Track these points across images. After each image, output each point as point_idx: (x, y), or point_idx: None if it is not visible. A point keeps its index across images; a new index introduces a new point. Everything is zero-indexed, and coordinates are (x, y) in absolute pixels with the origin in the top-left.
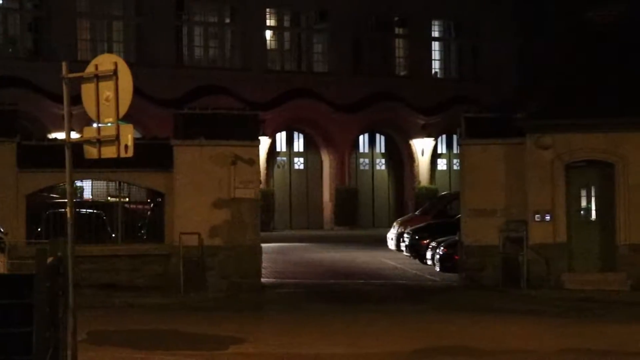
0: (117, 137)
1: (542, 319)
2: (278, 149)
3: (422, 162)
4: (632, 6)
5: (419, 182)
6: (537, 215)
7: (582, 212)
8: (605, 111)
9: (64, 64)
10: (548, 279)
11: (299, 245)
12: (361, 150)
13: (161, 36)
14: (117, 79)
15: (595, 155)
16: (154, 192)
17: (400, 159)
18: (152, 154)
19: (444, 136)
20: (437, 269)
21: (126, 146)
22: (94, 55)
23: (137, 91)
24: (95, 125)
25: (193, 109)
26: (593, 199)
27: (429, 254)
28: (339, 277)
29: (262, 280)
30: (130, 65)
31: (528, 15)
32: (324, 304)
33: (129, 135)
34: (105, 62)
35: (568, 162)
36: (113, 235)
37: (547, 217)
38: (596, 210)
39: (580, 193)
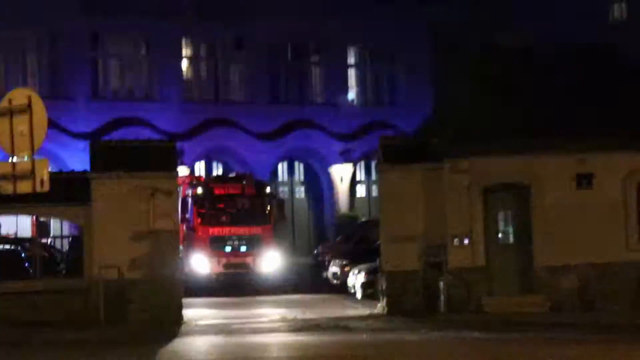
0: (33, 171)
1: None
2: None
3: (342, 189)
4: (541, 30)
5: (339, 210)
6: (455, 240)
7: (500, 235)
8: (520, 134)
9: None
10: (468, 303)
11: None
12: (280, 179)
13: (76, 69)
14: (31, 112)
15: (511, 178)
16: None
17: (319, 186)
18: (70, 188)
19: (362, 163)
20: (359, 296)
21: (42, 181)
22: (8, 90)
23: (52, 124)
24: (10, 160)
25: (109, 141)
26: (511, 222)
27: (350, 281)
28: None
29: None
30: (45, 98)
31: (443, 40)
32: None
33: (44, 169)
34: (19, 96)
35: (485, 185)
36: (31, 270)
37: (466, 241)
38: (514, 233)
39: (498, 216)
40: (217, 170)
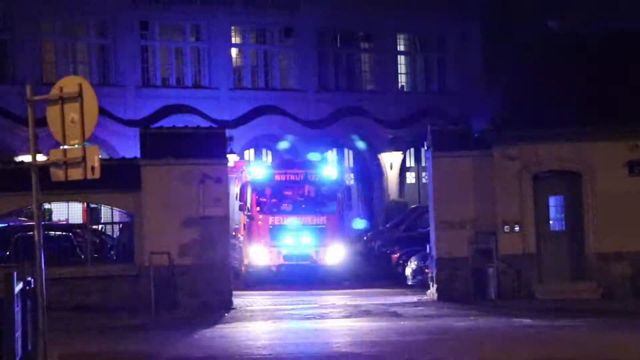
0: (84, 158)
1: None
2: None
3: (391, 176)
4: (593, 16)
5: (389, 196)
6: (506, 226)
7: (551, 222)
8: (571, 120)
9: (28, 87)
10: (519, 290)
11: None
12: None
13: (126, 56)
14: (82, 100)
15: (562, 165)
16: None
17: (369, 173)
18: (120, 175)
19: (412, 150)
20: (409, 282)
21: (93, 167)
22: (59, 77)
23: (102, 112)
24: (61, 147)
25: (160, 128)
26: (562, 209)
27: (402, 268)
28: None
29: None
30: (95, 86)
31: (494, 26)
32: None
33: (95, 156)
34: (69, 84)
35: (535, 172)
36: (82, 256)
37: (516, 228)
38: (565, 219)
39: (548, 203)
40: (267, 157)
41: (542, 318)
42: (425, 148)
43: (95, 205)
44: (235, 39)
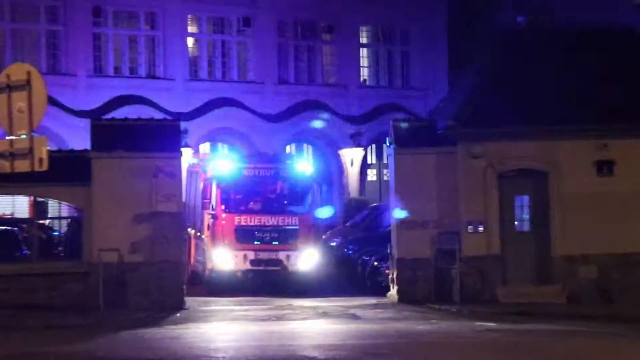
0: (31, 150)
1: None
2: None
3: (352, 172)
4: (561, 11)
5: (349, 194)
6: (469, 226)
7: (516, 222)
8: (538, 118)
9: None
10: (482, 293)
11: None
12: None
13: (77, 44)
14: (30, 89)
15: (528, 164)
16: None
17: (328, 170)
18: (69, 168)
19: (373, 146)
20: (368, 283)
21: (40, 159)
22: (6, 65)
23: (52, 101)
24: (7, 137)
25: (112, 120)
26: (527, 209)
27: (359, 269)
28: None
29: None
30: (44, 74)
31: (460, 20)
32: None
33: (43, 148)
34: (17, 71)
35: (501, 171)
36: (28, 252)
37: (480, 228)
38: (531, 220)
39: (514, 203)
40: (223, 152)
41: (506, 322)
42: (387, 144)
43: (43, 199)
44: (191, 28)
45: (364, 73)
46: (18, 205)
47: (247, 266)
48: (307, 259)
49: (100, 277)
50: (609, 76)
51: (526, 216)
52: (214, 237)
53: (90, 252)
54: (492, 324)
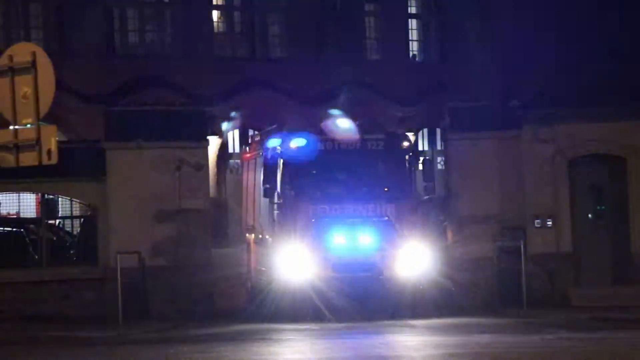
0: (38, 140)
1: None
2: (230, 151)
3: None
4: None
5: None
6: (537, 221)
7: (590, 215)
8: (614, 97)
9: None
10: (552, 296)
11: None
12: None
13: (88, 20)
14: (36, 72)
15: (603, 148)
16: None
17: None
18: (81, 160)
19: (425, 130)
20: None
21: (49, 151)
22: (8, 45)
23: (60, 86)
24: (11, 127)
25: (128, 105)
26: (603, 200)
27: None
28: None
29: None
30: (51, 55)
31: None
32: None
33: (52, 138)
34: (21, 52)
35: (572, 157)
36: (37, 257)
37: (549, 222)
38: (607, 212)
39: (587, 193)
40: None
41: (580, 330)
42: (442, 129)
43: (52, 197)
44: (216, 1)
45: (413, 47)
46: (24, 204)
47: (328, 273)
48: (410, 261)
49: (118, 284)
50: None
51: (601, 208)
52: (280, 235)
53: (107, 255)
54: (563, 332)
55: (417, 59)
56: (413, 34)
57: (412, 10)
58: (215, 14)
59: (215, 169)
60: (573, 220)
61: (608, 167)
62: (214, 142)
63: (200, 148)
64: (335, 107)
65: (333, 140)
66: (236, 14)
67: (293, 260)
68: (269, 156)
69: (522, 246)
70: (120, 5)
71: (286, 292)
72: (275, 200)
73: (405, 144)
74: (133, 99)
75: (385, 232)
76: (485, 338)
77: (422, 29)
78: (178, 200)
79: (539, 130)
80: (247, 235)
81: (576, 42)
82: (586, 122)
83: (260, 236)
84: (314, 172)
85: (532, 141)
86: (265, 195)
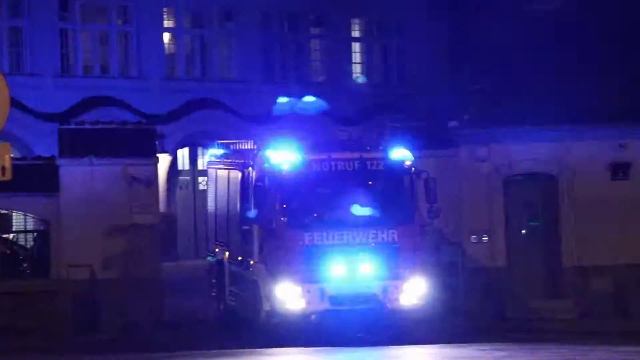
0: None
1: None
2: (180, 167)
3: None
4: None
5: None
6: (473, 236)
7: (523, 231)
8: (548, 118)
9: None
10: (487, 308)
11: None
12: None
13: (43, 41)
14: None
15: (537, 168)
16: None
17: None
18: (35, 176)
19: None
20: None
21: (3, 168)
22: None
23: (15, 103)
24: None
25: (81, 123)
26: (536, 217)
27: None
28: None
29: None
30: (7, 74)
31: (461, 8)
32: None
33: (6, 155)
34: None
35: (507, 175)
36: None
37: (485, 238)
38: (539, 229)
39: (521, 210)
40: (203, 157)
41: (513, 341)
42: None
43: (6, 211)
44: (167, 23)
45: (357, 70)
46: None
47: (325, 306)
48: (414, 290)
49: (69, 296)
50: (623, 71)
51: (535, 224)
52: (272, 264)
53: (59, 268)
54: (499, 345)
55: (360, 81)
56: (357, 57)
57: (356, 34)
58: (166, 36)
59: (166, 185)
60: (507, 236)
61: (541, 185)
62: (164, 160)
63: (150, 165)
64: (281, 126)
65: (329, 159)
66: (186, 36)
67: (286, 293)
68: (255, 176)
69: (459, 261)
70: (74, 26)
71: (281, 324)
72: (263, 225)
73: (407, 162)
74: (86, 117)
75: (388, 260)
76: (414, 348)
77: (366, 52)
78: (129, 215)
79: (476, 150)
80: (218, 250)
81: (514, 65)
82: (521, 143)
83: (239, 258)
84: (309, 195)
85: (470, 160)
86: (254, 221)
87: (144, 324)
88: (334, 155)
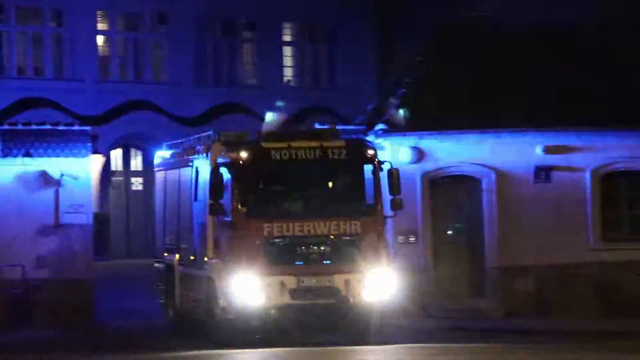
0: None
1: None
2: (113, 168)
3: None
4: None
5: None
6: (400, 237)
7: (449, 232)
8: (474, 122)
9: None
10: (413, 307)
11: None
12: None
13: None
14: None
15: (462, 170)
16: None
17: None
18: None
19: None
20: None
21: None
22: None
23: None
24: None
25: (14, 124)
26: (461, 218)
27: None
28: None
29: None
30: None
31: (392, 16)
32: None
33: None
34: None
35: (434, 177)
36: None
37: (412, 239)
38: (464, 230)
39: (447, 211)
40: (136, 159)
41: (440, 340)
42: None
43: None
44: (101, 26)
45: (287, 73)
46: None
47: (286, 300)
48: (378, 285)
49: (2, 295)
50: (546, 75)
51: (460, 225)
52: (229, 258)
53: None
54: (423, 343)
55: (290, 84)
56: (288, 61)
57: (287, 38)
58: (100, 39)
59: (99, 186)
60: (434, 237)
61: (467, 187)
62: (97, 160)
63: (83, 165)
64: (212, 127)
65: (289, 147)
66: (120, 38)
67: (245, 287)
68: (212, 167)
69: None
70: (8, 28)
71: (238, 321)
72: (220, 216)
73: (370, 152)
74: (20, 118)
75: (350, 253)
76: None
77: (296, 56)
78: (61, 216)
79: (404, 152)
80: (167, 255)
81: (441, 69)
82: (448, 146)
83: (191, 257)
84: (268, 185)
85: (397, 162)
86: (211, 212)
87: (77, 323)
88: (294, 144)
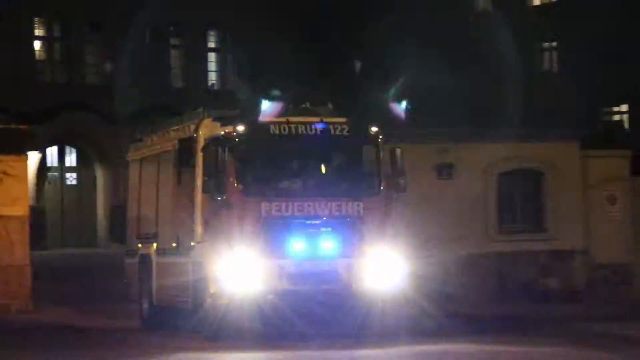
0: None
1: None
2: (49, 164)
3: None
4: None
5: None
6: None
7: None
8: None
9: None
10: None
11: None
12: None
13: None
14: None
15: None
16: None
17: None
18: None
19: None
20: None
21: None
22: None
23: None
24: None
25: None
26: None
27: None
28: None
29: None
30: None
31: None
32: None
33: None
34: None
35: None
36: None
37: None
38: None
39: None
40: (70, 155)
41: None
42: None
43: None
44: (39, 32)
45: (212, 77)
46: None
47: (283, 285)
48: (381, 270)
49: None
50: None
51: None
52: (222, 239)
53: None
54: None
55: (214, 87)
56: (212, 66)
57: (212, 44)
58: (37, 44)
59: (35, 180)
60: None
61: None
62: (34, 157)
63: (20, 161)
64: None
65: (289, 123)
66: (56, 44)
67: (239, 270)
68: (203, 144)
69: None
70: None
71: (231, 308)
72: (215, 194)
73: (374, 129)
74: None
75: (352, 235)
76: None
77: (220, 62)
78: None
79: None
80: (142, 246)
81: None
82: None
83: (173, 244)
84: (266, 162)
85: None
86: (204, 191)
87: (10, 307)
88: (294, 119)
